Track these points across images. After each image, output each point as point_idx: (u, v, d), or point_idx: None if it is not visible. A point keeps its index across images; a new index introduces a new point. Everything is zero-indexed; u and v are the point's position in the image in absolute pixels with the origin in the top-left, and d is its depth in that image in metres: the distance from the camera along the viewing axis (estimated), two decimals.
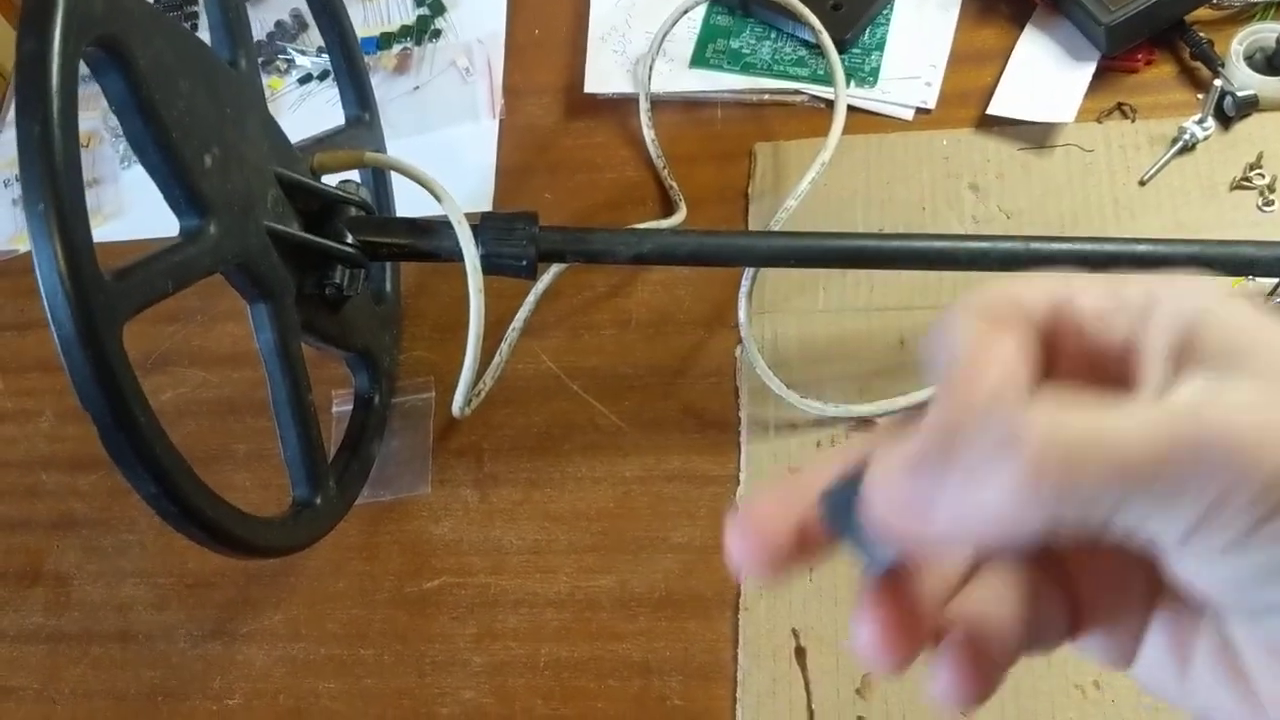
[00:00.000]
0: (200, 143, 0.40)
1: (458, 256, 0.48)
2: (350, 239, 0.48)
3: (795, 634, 0.48)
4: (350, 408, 0.55)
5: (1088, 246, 0.49)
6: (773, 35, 0.62)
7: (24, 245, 0.65)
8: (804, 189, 0.53)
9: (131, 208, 0.64)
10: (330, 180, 0.50)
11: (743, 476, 0.51)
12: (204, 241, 0.40)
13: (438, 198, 0.48)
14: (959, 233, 0.55)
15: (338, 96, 0.66)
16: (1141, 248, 0.48)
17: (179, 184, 0.40)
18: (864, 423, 0.51)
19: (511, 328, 0.56)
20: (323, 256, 0.47)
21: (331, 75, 0.67)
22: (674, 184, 0.59)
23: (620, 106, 0.63)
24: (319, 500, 0.47)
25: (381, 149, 0.58)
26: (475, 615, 0.51)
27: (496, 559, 0.52)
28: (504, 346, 0.56)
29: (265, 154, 0.45)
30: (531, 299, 0.56)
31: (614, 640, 0.49)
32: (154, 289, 0.38)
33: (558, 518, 0.53)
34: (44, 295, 0.34)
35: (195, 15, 0.72)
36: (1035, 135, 0.57)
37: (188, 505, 0.38)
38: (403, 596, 0.52)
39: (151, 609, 0.53)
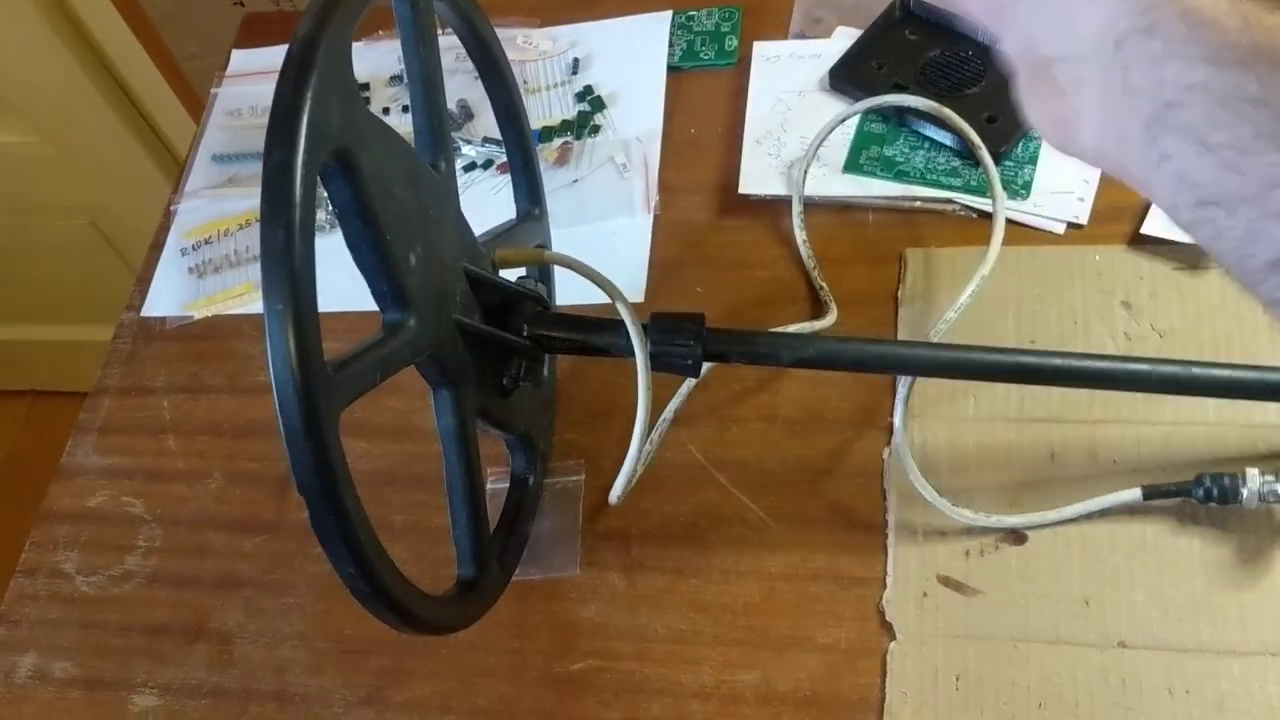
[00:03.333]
0: (408, 243, 0.43)
1: (628, 353, 0.50)
2: (527, 331, 0.50)
3: None
4: (503, 486, 0.57)
5: (1249, 374, 0.49)
6: (926, 145, 0.64)
7: (199, 312, 0.69)
8: (964, 301, 0.55)
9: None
10: (508, 274, 0.53)
11: (889, 580, 0.52)
12: (405, 334, 0.43)
13: (612, 298, 0.50)
14: (1111, 350, 0.56)
15: (499, 184, 0.70)
16: None
17: (388, 281, 0.42)
18: (1014, 534, 0.52)
19: (663, 418, 0.58)
20: (502, 347, 0.50)
21: (494, 164, 0.70)
22: (824, 285, 0.61)
23: (772, 207, 0.65)
24: (482, 579, 0.49)
25: (548, 242, 0.61)
26: (620, 701, 0.52)
27: (642, 645, 0.53)
28: (655, 435, 0.57)
29: (457, 251, 0.48)
30: (685, 390, 0.58)
31: None
32: (365, 381, 0.40)
33: (703, 608, 0.54)
34: (275, 388, 0.36)
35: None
36: (1190, 255, 0.58)
37: (379, 586, 0.40)
38: (550, 676, 0.53)
39: (309, 672, 0.56)
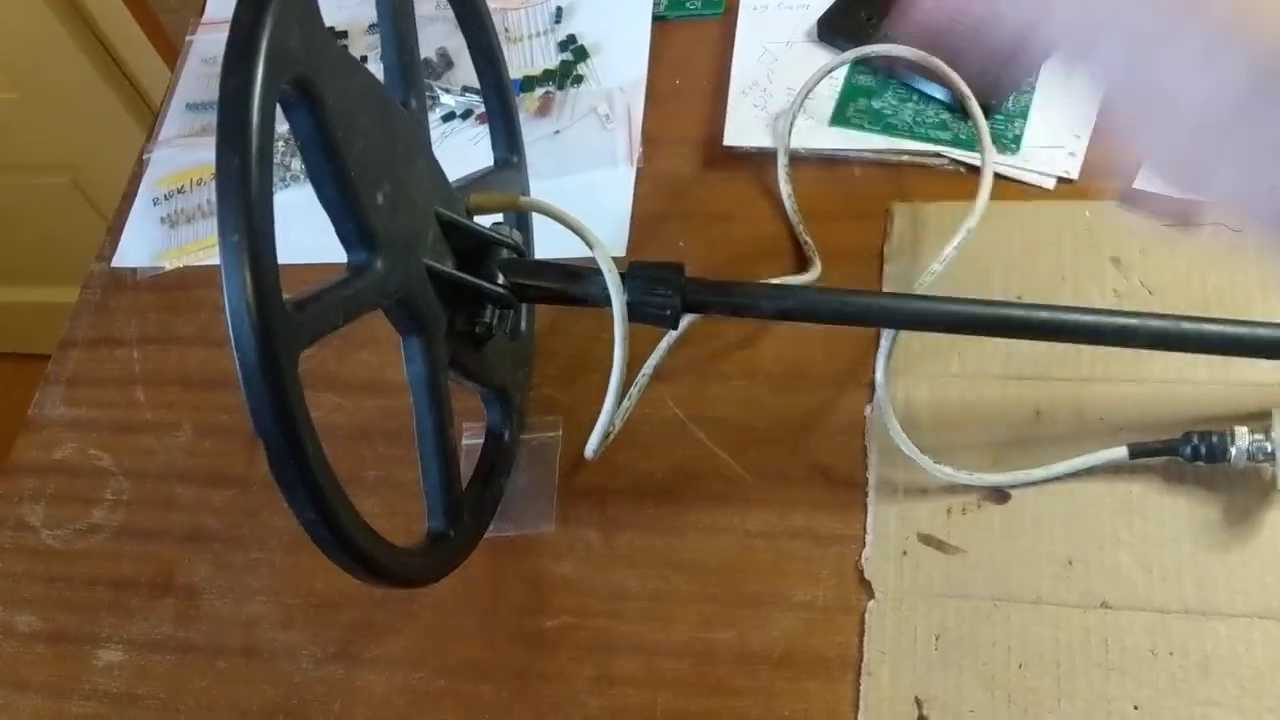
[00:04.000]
0: (374, 180, 0.42)
1: (605, 303, 0.48)
2: (501, 280, 0.49)
3: (919, 703, 0.47)
4: (478, 442, 0.56)
5: (1241, 330, 0.48)
6: (915, 98, 0.63)
7: (169, 262, 0.67)
8: (949, 254, 0.53)
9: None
10: (483, 221, 0.51)
11: (869, 538, 0.51)
12: (371, 276, 0.42)
13: (589, 245, 0.49)
14: (1100, 307, 0.55)
15: (478, 134, 0.68)
16: None
17: (353, 219, 0.41)
18: (997, 492, 0.51)
19: (642, 373, 0.56)
20: (474, 295, 0.48)
21: (474, 114, 0.69)
22: (809, 240, 0.60)
23: (757, 160, 0.63)
24: (454, 533, 0.48)
25: (527, 191, 0.59)
26: (593, 658, 0.51)
27: (617, 603, 0.52)
28: (633, 391, 0.56)
29: (428, 193, 0.47)
30: (664, 345, 0.57)
31: (732, 696, 0.49)
32: (327, 322, 0.39)
33: (679, 566, 0.53)
34: (230, 323, 0.35)
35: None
36: (1181, 211, 0.56)
37: (342, 534, 0.39)
38: (523, 633, 0.52)
39: (277, 627, 0.55)
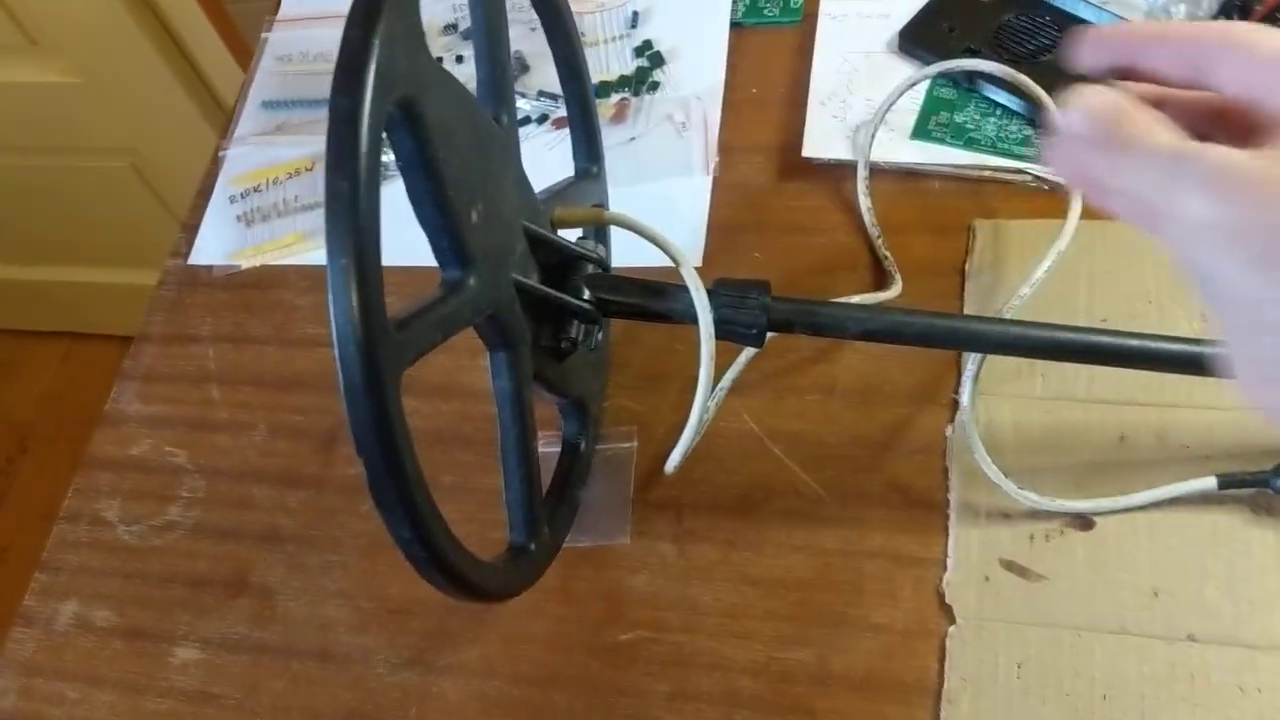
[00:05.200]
0: (470, 198, 0.42)
1: (691, 320, 0.48)
2: (587, 295, 0.49)
3: None
4: (553, 449, 0.56)
5: None
6: (998, 112, 0.62)
7: (245, 261, 0.68)
8: (1039, 278, 0.53)
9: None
10: (567, 234, 0.51)
11: (950, 562, 0.51)
12: (465, 293, 0.42)
13: (676, 261, 0.49)
14: (1185, 331, 0.54)
15: (554, 140, 0.68)
16: None
17: (449, 237, 0.41)
18: (1081, 519, 0.50)
19: (720, 386, 0.56)
20: (559, 310, 0.48)
21: (549, 119, 0.69)
22: (888, 254, 0.59)
23: (835, 171, 0.63)
24: (534, 546, 0.48)
25: (606, 201, 0.59)
26: (669, 673, 0.51)
27: (692, 618, 0.52)
28: (710, 404, 0.56)
29: (516, 208, 0.46)
30: (743, 359, 0.56)
31: (808, 717, 0.49)
32: (427, 340, 0.39)
33: (755, 582, 0.53)
34: (337, 345, 0.35)
35: None
36: None
37: (436, 552, 0.39)
38: (598, 645, 0.52)
39: (352, 631, 0.55)
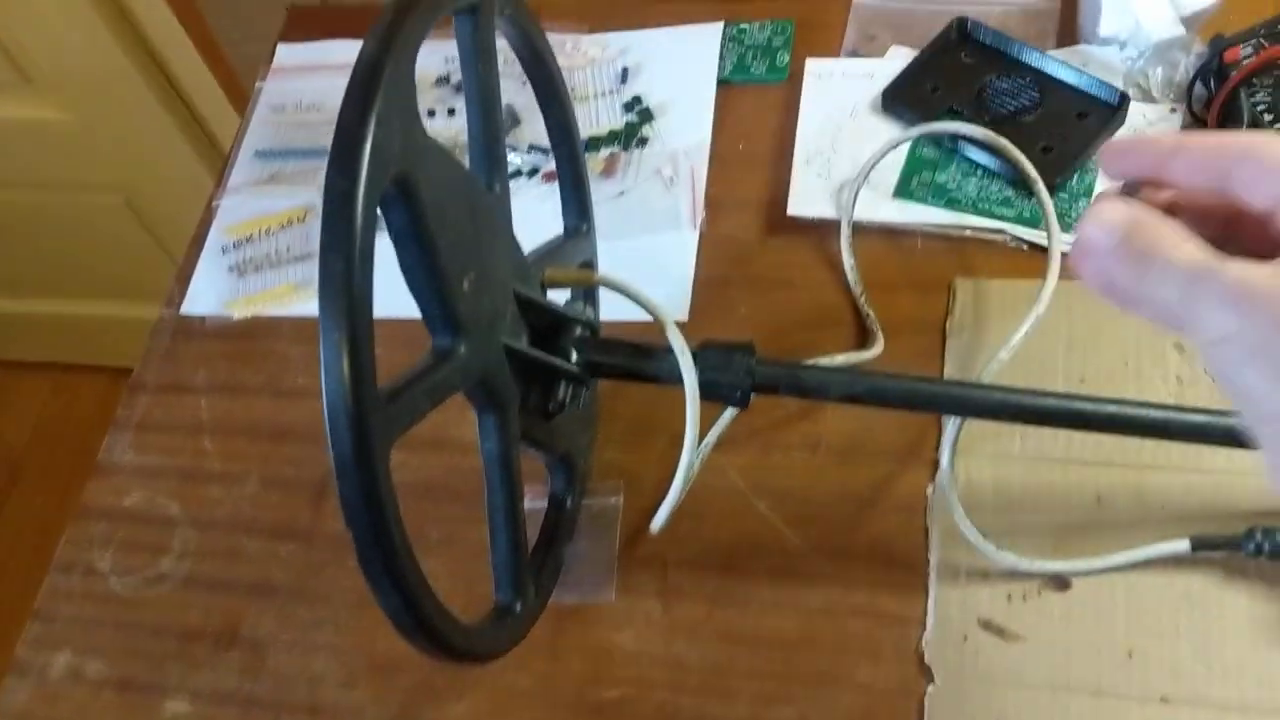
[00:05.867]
0: (461, 267, 0.43)
1: (676, 381, 0.49)
2: (575, 357, 0.50)
3: None
4: (539, 505, 0.57)
5: None
6: (979, 172, 0.63)
7: (238, 311, 0.68)
8: (1017, 342, 0.54)
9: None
10: (556, 294, 0.52)
11: (929, 621, 0.52)
12: (455, 361, 0.43)
13: (663, 325, 0.50)
14: (1163, 393, 0.55)
15: (545, 193, 0.69)
16: None
17: (440, 306, 0.42)
18: (1058, 580, 0.51)
19: (706, 442, 0.57)
20: (548, 372, 0.49)
21: (540, 172, 0.70)
22: (870, 311, 0.60)
23: (819, 228, 0.64)
24: (519, 606, 0.49)
25: (595, 258, 0.60)
26: None
27: (677, 675, 0.53)
28: (696, 460, 0.57)
29: (507, 272, 0.47)
30: (728, 416, 0.57)
31: None
32: (417, 409, 0.40)
33: (739, 639, 0.53)
34: (328, 419, 0.36)
35: None
36: None
37: (421, 619, 0.40)
38: (583, 703, 0.53)
39: (340, 686, 0.56)
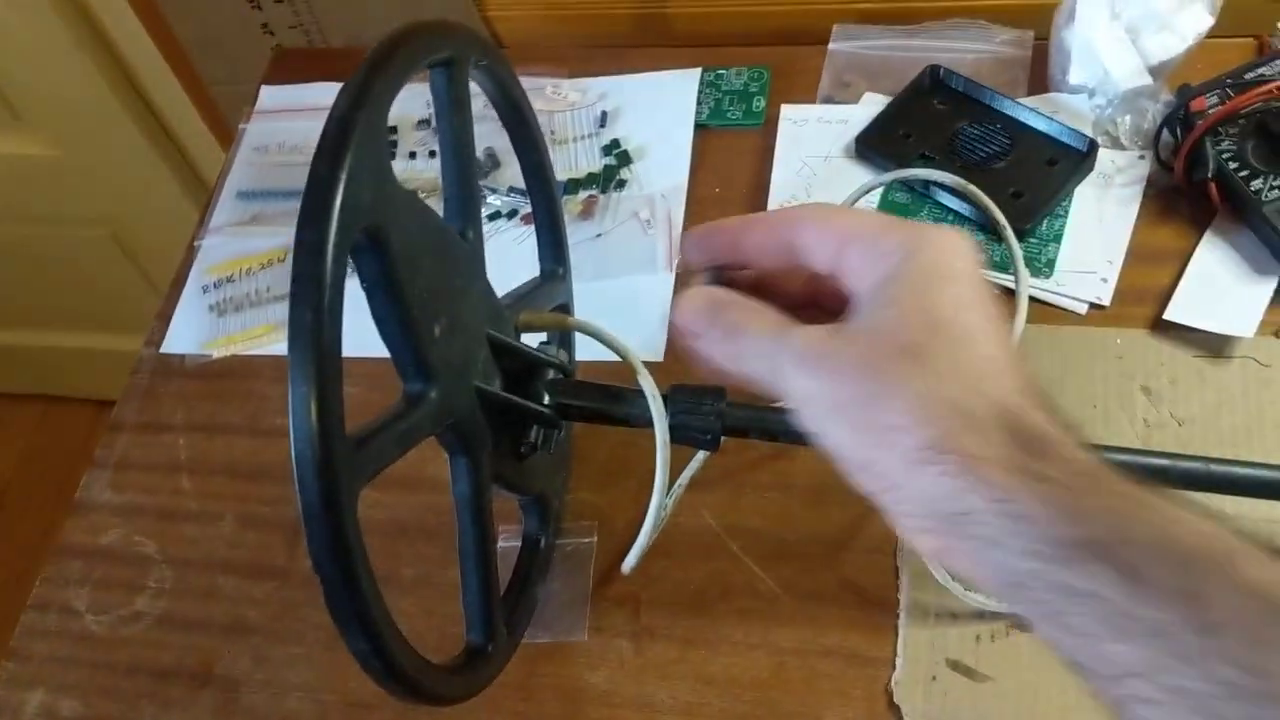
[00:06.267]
0: (433, 315, 0.43)
1: (647, 424, 0.50)
2: (548, 399, 0.50)
3: None
4: (512, 544, 0.57)
5: (1269, 474, 0.49)
6: (950, 217, 0.64)
7: (217, 351, 0.69)
8: None
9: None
10: (529, 338, 0.53)
11: (899, 662, 0.52)
12: (427, 406, 0.43)
13: (634, 369, 0.50)
14: (1130, 436, 0.56)
15: (523, 234, 0.70)
16: None
17: (411, 353, 0.43)
18: (1026, 621, 0.52)
19: (678, 483, 0.58)
20: (520, 414, 0.50)
21: (519, 214, 0.70)
22: None
23: None
24: (491, 647, 0.49)
25: (571, 301, 0.61)
26: None
27: (649, 715, 0.53)
28: (669, 501, 0.57)
29: (480, 317, 0.48)
30: (700, 457, 0.58)
31: None
32: (386, 456, 0.40)
33: (711, 680, 0.54)
34: (295, 467, 0.36)
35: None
36: (1212, 344, 0.58)
37: (391, 663, 0.40)
38: None
39: None
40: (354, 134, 0.39)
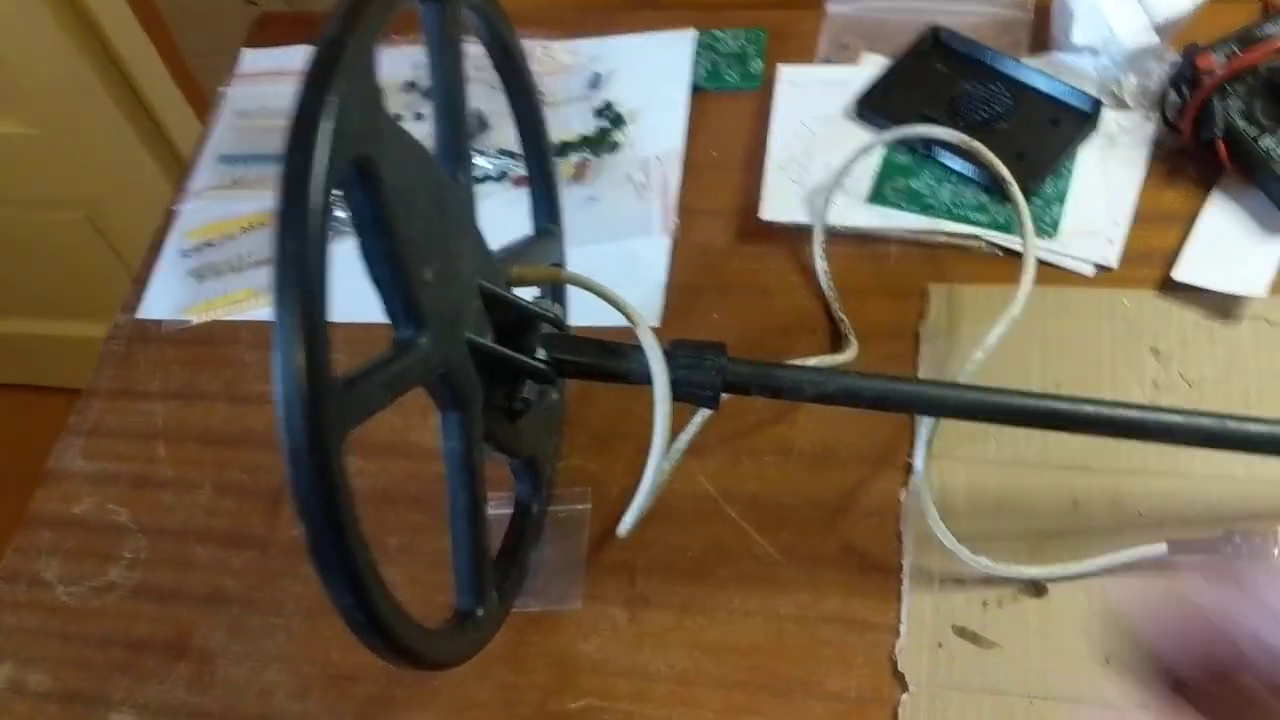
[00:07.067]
0: (424, 257, 0.41)
1: (647, 381, 0.48)
2: (542, 354, 0.48)
3: None
4: (503, 511, 0.55)
5: None
6: (953, 179, 0.62)
7: (196, 316, 0.67)
8: (993, 342, 0.53)
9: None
10: (523, 292, 0.51)
11: (903, 628, 0.50)
12: (417, 352, 0.41)
13: (633, 322, 0.48)
14: (1138, 397, 0.54)
15: (513, 198, 0.68)
16: None
17: (402, 297, 0.41)
18: (1034, 585, 0.50)
19: (676, 447, 0.56)
20: (513, 370, 0.48)
21: (508, 176, 0.69)
22: (844, 317, 0.59)
23: (793, 234, 0.63)
24: (482, 611, 0.47)
25: (564, 261, 0.59)
26: None
27: (643, 685, 0.51)
28: (666, 465, 0.56)
29: (472, 266, 0.46)
30: (699, 420, 0.56)
31: None
32: (375, 401, 0.38)
33: (708, 648, 0.52)
34: (280, 404, 0.34)
35: None
36: (1220, 304, 0.56)
37: (377, 619, 0.38)
38: (546, 713, 0.51)
39: (292, 697, 0.53)
40: (345, 56, 0.37)
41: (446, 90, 0.46)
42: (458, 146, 0.46)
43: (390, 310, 0.41)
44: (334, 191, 0.36)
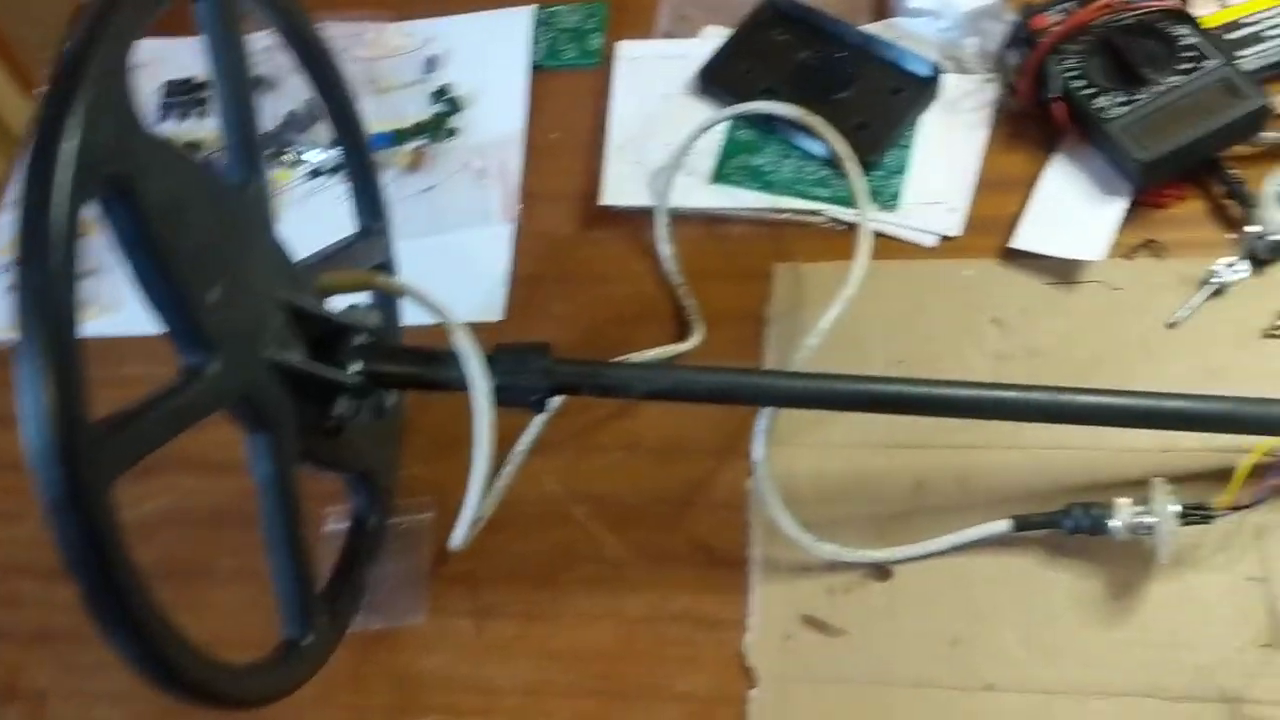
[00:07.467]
0: (206, 277, 0.39)
1: (467, 388, 0.46)
2: (355, 367, 0.46)
3: None
4: (342, 526, 0.53)
5: (1120, 401, 0.47)
6: (796, 154, 0.61)
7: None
8: (825, 326, 0.52)
9: (130, 300, 0.62)
10: (341, 299, 0.48)
11: (751, 622, 0.49)
12: (205, 380, 0.39)
13: (448, 327, 0.46)
14: (981, 370, 0.54)
15: (347, 192, 0.65)
16: (1173, 404, 0.47)
17: (182, 321, 0.38)
18: (880, 569, 0.50)
19: (517, 449, 0.54)
20: (324, 386, 0.45)
21: (342, 169, 0.65)
22: (690, 303, 0.58)
23: (637, 218, 0.61)
24: (310, 639, 0.45)
25: (390, 258, 0.56)
26: None
27: (489, 699, 0.50)
28: (508, 469, 0.54)
29: (270, 280, 0.44)
30: (539, 421, 0.54)
31: None
32: (149, 440, 0.36)
33: (555, 656, 0.50)
34: (31, 455, 0.32)
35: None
36: (1062, 269, 0.56)
37: (171, 668, 0.36)
38: None
39: None
40: (88, 70, 0.34)
41: (231, 92, 0.43)
42: (247, 154, 0.43)
43: (173, 335, 0.38)
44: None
